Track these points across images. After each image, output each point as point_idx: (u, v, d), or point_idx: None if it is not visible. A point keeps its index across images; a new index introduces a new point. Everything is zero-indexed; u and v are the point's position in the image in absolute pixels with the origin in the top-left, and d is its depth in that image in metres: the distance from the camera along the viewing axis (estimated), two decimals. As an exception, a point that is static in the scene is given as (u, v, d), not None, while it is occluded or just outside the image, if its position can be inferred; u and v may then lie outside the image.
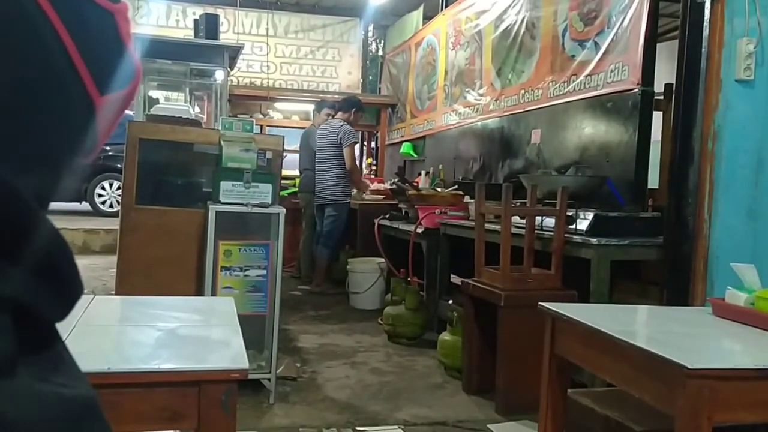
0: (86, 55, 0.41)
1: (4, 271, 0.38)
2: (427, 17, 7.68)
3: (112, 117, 0.46)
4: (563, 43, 4.37)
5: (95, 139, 0.45)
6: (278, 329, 3.19)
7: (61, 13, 0.40)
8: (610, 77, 3.81)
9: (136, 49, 0.48)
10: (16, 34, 0.38)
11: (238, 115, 7.26)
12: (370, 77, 9.83)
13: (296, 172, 7.16)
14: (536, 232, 3.28)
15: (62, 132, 0.42)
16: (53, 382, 0.41)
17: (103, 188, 9.11)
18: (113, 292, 3.67)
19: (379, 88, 9.25)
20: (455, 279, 4.25)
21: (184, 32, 8.19)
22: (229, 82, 7.12)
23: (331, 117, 6.20)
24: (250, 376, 2.92)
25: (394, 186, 5.58)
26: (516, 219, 3.32)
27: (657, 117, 3.67)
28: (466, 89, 6.01)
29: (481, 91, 5.69)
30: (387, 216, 5.43)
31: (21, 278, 0.39)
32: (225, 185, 3.08)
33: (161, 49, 5.88)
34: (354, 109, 6.11)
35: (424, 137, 7.16)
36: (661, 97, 3.67)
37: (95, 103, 0.43)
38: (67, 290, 0.43)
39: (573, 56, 4.24)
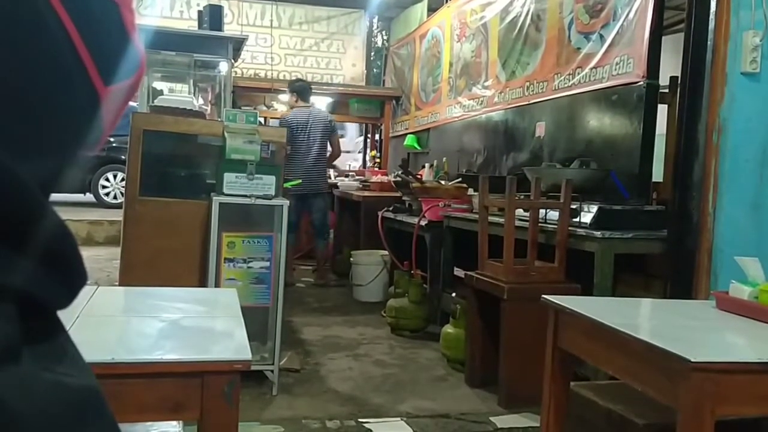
0: (91, 46, 0.41)
1: (7, 259, 0.38)
2: (432, 9, 7.64)
3: (116, 107, 0.46)
4: (569, 36, 4.35)
5: (100, 130, 0.45)
6: (281, 321, 3.20)
7: (66, 3, 0.40)
8: (616, 70, 3.80)
9: (141, 40, 0.47)
10: (20, 23, 0.38)
11: (242, 107, 7.26)
12: (375, 69, 9.79)
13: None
14: (540, 225, 3.28)
15: (67, 121, 0.42)
16: (57, 371, 0.41)
17: (107, 179, 9.12)
18: (117, 284, 3.68)
19: (384, 81, 9.22)
20: (458, 272, 4.25)
21: (188, 23, 8.15)
22: (233, 74, 7.10)
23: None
24: (253, 368, 2.92)
25: (398, 178, 5.58)
26: (520, 212, 3.31)
27: (662, 110, 3.65)
28: (471, 82, 5.98)
29: (486, 84, 5.67)
30: (390, 208, 5.42)
31: (25, 267, 0.39)
32: (228, 177, 3.08)
33: (165, 40, 5.86)
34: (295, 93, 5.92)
35: (428, 130, 7.15)
36: (666, 90, 3.66)
37: (100, 94, 0.43)
38: (71, 278, 0.43)
39: (578, 49, 4.22)
